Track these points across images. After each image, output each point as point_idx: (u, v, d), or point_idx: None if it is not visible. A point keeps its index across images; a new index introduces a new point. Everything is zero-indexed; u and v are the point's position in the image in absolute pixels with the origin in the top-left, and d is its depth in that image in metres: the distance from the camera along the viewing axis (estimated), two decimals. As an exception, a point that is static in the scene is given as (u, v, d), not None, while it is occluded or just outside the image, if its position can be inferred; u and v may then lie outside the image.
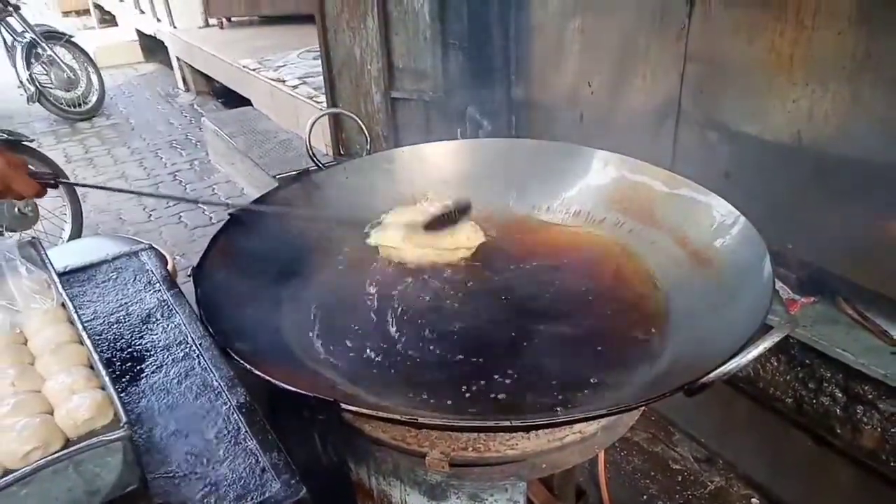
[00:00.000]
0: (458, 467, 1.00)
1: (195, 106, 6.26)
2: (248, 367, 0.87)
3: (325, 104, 3.79)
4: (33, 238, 1.05)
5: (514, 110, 2.36)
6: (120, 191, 1.14)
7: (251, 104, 5.06)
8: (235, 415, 0.80)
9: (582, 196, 1.49)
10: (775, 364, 1.59)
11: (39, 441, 0.74)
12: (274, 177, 3.66)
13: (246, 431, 0.77)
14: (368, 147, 1.70)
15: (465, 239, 1.36)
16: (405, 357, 1.08)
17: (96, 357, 0.79)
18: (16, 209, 2.93)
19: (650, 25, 1.92)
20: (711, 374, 0.83)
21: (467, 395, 0.98)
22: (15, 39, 5.54)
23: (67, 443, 0.76)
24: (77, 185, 1.03)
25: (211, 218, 3.85)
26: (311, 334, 1.13)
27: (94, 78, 6.12)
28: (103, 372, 0.76)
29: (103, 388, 0.80)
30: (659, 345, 1.07)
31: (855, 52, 1.46)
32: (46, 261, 1.00)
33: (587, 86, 2.17)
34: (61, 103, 5.89)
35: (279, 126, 4.43)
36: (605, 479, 1.53)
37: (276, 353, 1.06)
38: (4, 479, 0.63)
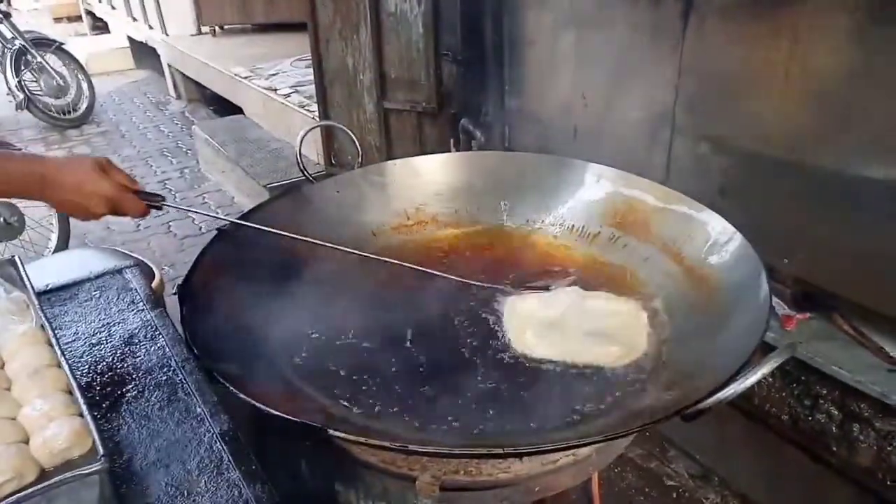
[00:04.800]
0: (448, 491, 0.98)
1: (186, 114, 6.22)
2: (233, 389, 0.85)
3: (317, 113, 3.77)
4: (12, 257, 1.02)
5: (508, 122, 2.34)
6: (216, 217, 1.12)
7: (243, 112, 5.03)
8: (219, 443, 0.77)
9: (576, 210, 1.48)
10: (770, 380, 1.57)
11: (13, 472, 0.71)
12: (265, 186, 3.63)
13: (229, 461, 0.74)
14: (360, 160, 1.68)
15: None
16: (395, 380, 1.06)
17: (74, 383, 0.76)
18: (1, 219, 2.89)
19: (645, 39, 1.92)
20: (709, 400, 0.81)
21: (455, 422, 0.95)
22: (4, 46, 5.49)
23: (43, 473, 0.73)
24: (180, 208, 1.01)
25: (200, 228, 3.81)
26: (299, 356, 1.10)
27: (84, 85, 6.08)
28: (81, 400, 0.73)
29: (82, 415, 0.77)
30: (654, 366, 1.05)
31: (851, 65, 1.45)
32: (26, 280, 0.96)
33: (581, 98, 2.16)
34: (51, 110, 5.85)
35: (271, 135, 4.40)
36: (599, 498, 1.51)
37: (263, 375, 1.03)
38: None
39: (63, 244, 3.19)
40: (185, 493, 0.71)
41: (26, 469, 0.72)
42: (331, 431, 0.88)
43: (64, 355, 0.80)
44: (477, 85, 2.38)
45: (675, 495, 1.84)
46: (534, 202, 1.53)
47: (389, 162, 1.61)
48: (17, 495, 0.64)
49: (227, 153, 4.16)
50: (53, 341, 0.83)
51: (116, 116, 6.30)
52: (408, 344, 1.13)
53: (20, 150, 3.32)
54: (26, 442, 0.76)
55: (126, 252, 1.64)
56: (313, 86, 4.42)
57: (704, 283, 1.18)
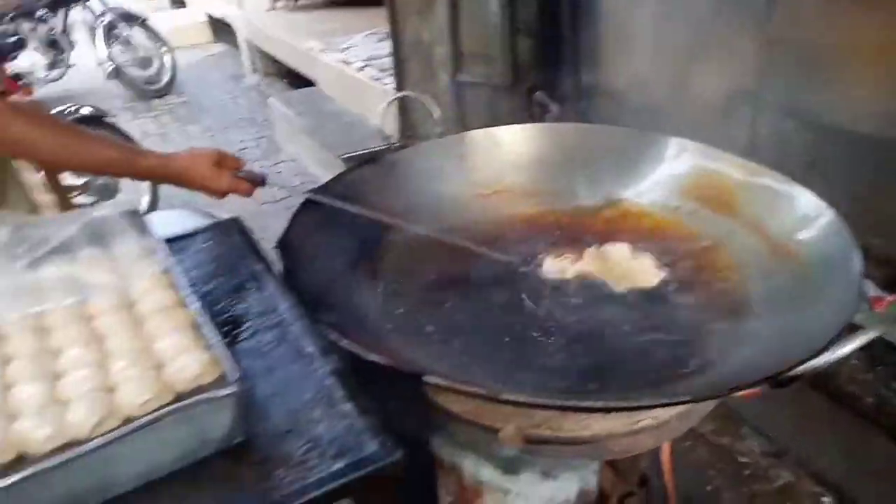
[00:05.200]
0: (531, 444, 1.02)
1: (261, 87, 6.41)
2: (337, 337, 0.92)
3: (390, 86, 3.83)
4: (134, 208, 1.11)
5: (584, 95, 2.34)
6: (305, 192, 1.22)
7: (316, 86, 5.15)
8: (330, 379, 0.84)
9: (656, 184, 1.48)
10: (855, 361, 1.55)
11: (153, 393, 0.80)
12: (338, 157, 3.73)
13: (341, 395, 0.81)
14: (440, 129, 1.72)
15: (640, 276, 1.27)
16: (484, 336, 1.11)
17: (203, 318, 0.84)
18: (100, 180, 3.09)
19: (729, 8, 1.87)
20: (801, 367, 0.82)
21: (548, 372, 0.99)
22: (96, 20, 5.80)
23: (177, 397, 0.82)
24: (282, 187, 1.11)
25: (276, 197, 3.95)
26: (389, 313, 1.17)
27: (166, 58, 6.35)
28: (212, 332, 0.81)
29: (208, 348, 0.85)
30: (741, 335, 1.06)
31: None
32: (149, 229, 1.06)
33: (660, 71, 2.13)
34: (137, 81, 6.14)
35: (344, 107, 4.50)
36: (670, 467, 1.53)
37: (358, 327, 1.10)
38: (135, 423, 0.68)
39: (153, 206, 3.40)
40: (303, 421, 0.78)
41: (163, 392, 0.81)
42: (428, 378, 0.95)
43: (191, 295, 0.88)
44: (552, 58, 2.38)
45: (746, 472, 1.84)
46: (613, 175, 1.53)
47: (472, 131, 1.65)
48: (158, 412, 0.72)
49: (302, 125, 4.29)
50: (180, 283, 0.92)
51: (196, 88, 6.55)
52: (493, 306, 1.18)
53: (114, 117, 3.54)
54: (160, 370, 0.86)
55: (215, 214, 1.74)
56: (386, 59, 4.49)
57: (792, 259, 1.17)
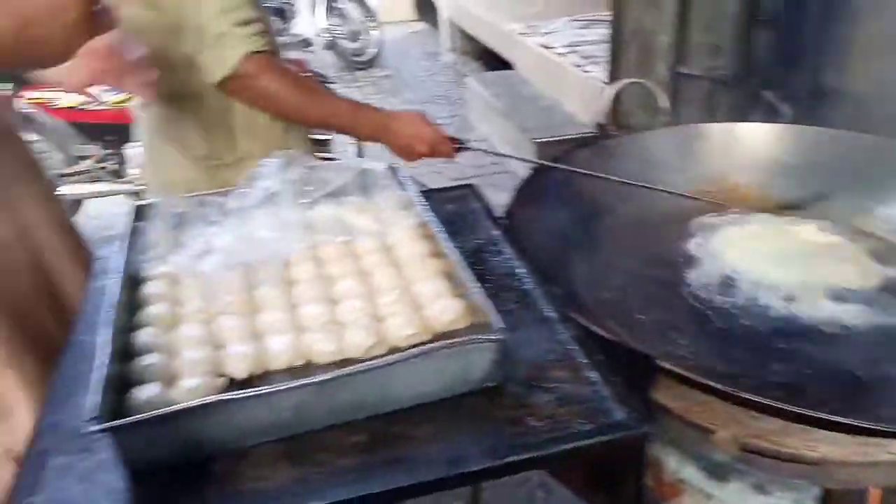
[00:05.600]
0: (746, 453, 0.99)
1: (458, 65, 6.64)
2: (569, 313, 0.95)
3: (593, 74, 3.79)
4: (393, 164, 1.23)
5: (823, 98, 2.14)
6: (523, 159, 1.32)
7: (513, 68, 5.23)
8: (572, 345, 0.88)
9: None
10: None
11: (418, 329, 0.89)
12: (533, 140, 3.78)
13: (585, 362, 0.85)
14: (664, 119, 1.69)
15: None
16: (708, 332, 1.10)
17: (463, 266, 0.92)
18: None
19: None
20: None
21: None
22: (319, -7, 6.37)
23: (434, 336, 0.91)
24: (482, 150, 1.22)
25: (466, 172, 4.10)
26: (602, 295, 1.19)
27: (374, 32, 6.79)
28: (472, 281, 0.88)
29: (462, 296, 0.93)
30: None
31: None
32: (408, 184, 1.17)
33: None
34: (346, 53, 6.64)
35: (542, 92, 4.53)
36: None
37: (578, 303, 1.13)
38: (417, 349, 0.77)
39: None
40: (549, 378, 0.83)
41: (426, 330, 0.90)
42: (660, 363, 0.96)
43: (451, 246, 0.96)
44: (792, 55, 2.21)
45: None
46: (859, 191, 1.42)
47: (705, 124, 1.60)
48: (429, 345, 0.80)
49: (498, 106, 4.39)
50: (438, 234, 1.01)
51: (398, 63, 6.95)
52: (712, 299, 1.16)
53: (333, 83, 3.87)
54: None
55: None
56: (588, 47, 4.44)
57: None
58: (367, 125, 1.45)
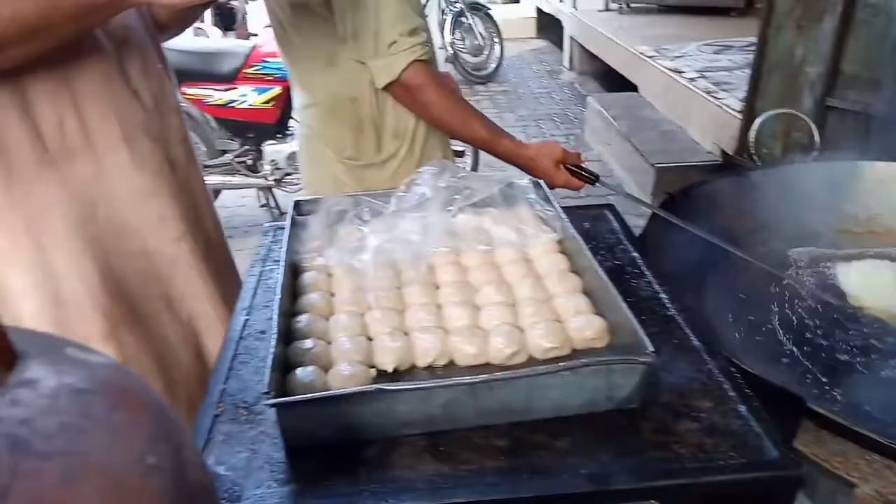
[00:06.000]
0: (890, 510, 0.93)
1: (576, 85, 6.59)
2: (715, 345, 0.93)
3: (725, 101, 3.65)
4: (539, 180, 1.25)
5: None
6: (636, 200, 1.32)
7: (635, 90, 5.13)
8: (720, 376, 0.86)
9: None
10: None
11: (558, 343, 0.90)
12: (652, 165, 3.68)
13: (733, 395, 0.83)
14: (813, 152, 1.61)
15: None
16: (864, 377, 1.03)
17: (610, 286, 0.92)
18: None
19: None
20: None
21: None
22: (447, 7, 6.52)
23: (574, 352, 0.91)
24: (609, 186, 1.21)
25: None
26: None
27: (496, 47, 6.87)
28: (622, 301, 0.88)
29: (602, 314, 0.93)
30: None
31: None
32: (552, 199, 1.18)
33: None
34: (467, 66, 6.77)
35: (665, 116, 4.41)
36: None
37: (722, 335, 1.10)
38: (564, 364, 0.79)
39: (475, 167, 3.77)
40: (693, 407, 0.81)
41: (564, 344, 0.91)
42: (811, 405, 0.92)
43: (597, 264, 0.97)
44: (959, 93, 2.03)
45: None
46: None
47: (862, 161, 1.51)
48: (591, 359, 0.81)
49: (618, 127, 4.32)
50: (585, 250, 1.01)
51: (516, 79, 6.99)
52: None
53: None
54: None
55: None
56: (721, 73, 4.28)
57: None
58: (502, 155, 1.57)
